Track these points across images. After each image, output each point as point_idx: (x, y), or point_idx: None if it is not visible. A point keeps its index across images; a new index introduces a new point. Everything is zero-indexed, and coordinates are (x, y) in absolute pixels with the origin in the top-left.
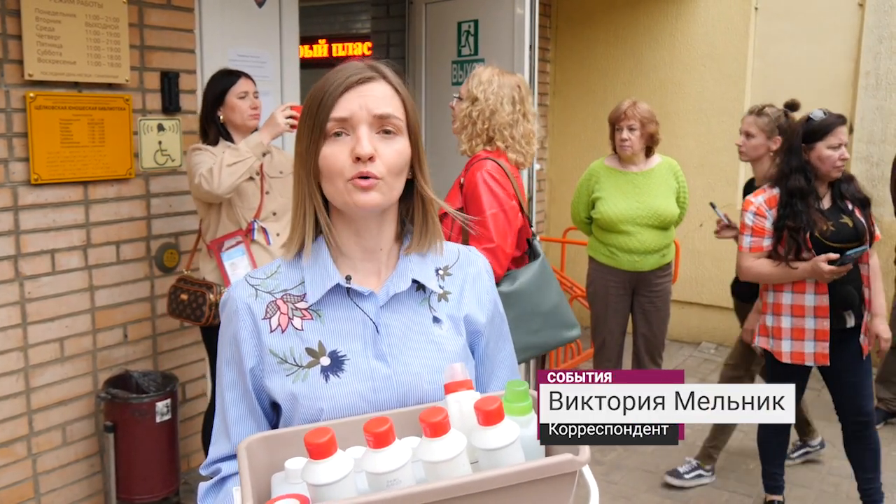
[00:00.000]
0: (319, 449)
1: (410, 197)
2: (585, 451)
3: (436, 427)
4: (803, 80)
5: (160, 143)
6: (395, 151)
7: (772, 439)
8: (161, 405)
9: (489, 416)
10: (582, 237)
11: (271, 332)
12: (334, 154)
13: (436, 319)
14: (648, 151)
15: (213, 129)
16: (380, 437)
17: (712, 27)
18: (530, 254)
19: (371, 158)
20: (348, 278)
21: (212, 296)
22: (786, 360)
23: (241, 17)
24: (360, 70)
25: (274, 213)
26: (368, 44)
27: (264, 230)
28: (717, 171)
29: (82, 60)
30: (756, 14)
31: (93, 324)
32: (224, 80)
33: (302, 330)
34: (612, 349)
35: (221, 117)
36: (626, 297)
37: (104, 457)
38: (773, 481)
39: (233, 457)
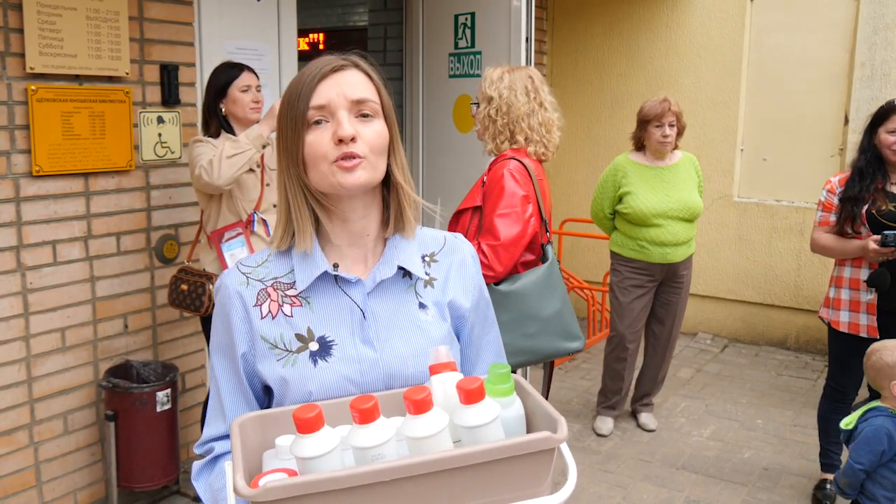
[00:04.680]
0: (307, 424)
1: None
2: (563, 428)
3: (419, 404)
4: (798, 71)
5: (160, 135)
6: (374, 132)
7: (830, 416)
8: (161, 395)
9: (470, 394)
10: (580, 228)
11: (262, 318)
12: (317, 140)
13: (421, 305)
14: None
15: (215, 122)
16: (365, 413)
17: (708, 18)
18: (543, 259)
19: (353, 139)
20: (336, 266)
21: (211, 286)
22: (843, 329)
23: (239, 10)
24: (333, 60)
25: (274, 205)
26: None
27: (264, 222)
28: (712, 162)
29: (83, 53)
30: (751, 5)
31: (93, 314)
32: (227, 73)
33: (291, 316)
34: (634, 340)
35: (223, 110)
36: (653, 291)
37: (105, 445)
38: (828, 459)
39: (226, 436)
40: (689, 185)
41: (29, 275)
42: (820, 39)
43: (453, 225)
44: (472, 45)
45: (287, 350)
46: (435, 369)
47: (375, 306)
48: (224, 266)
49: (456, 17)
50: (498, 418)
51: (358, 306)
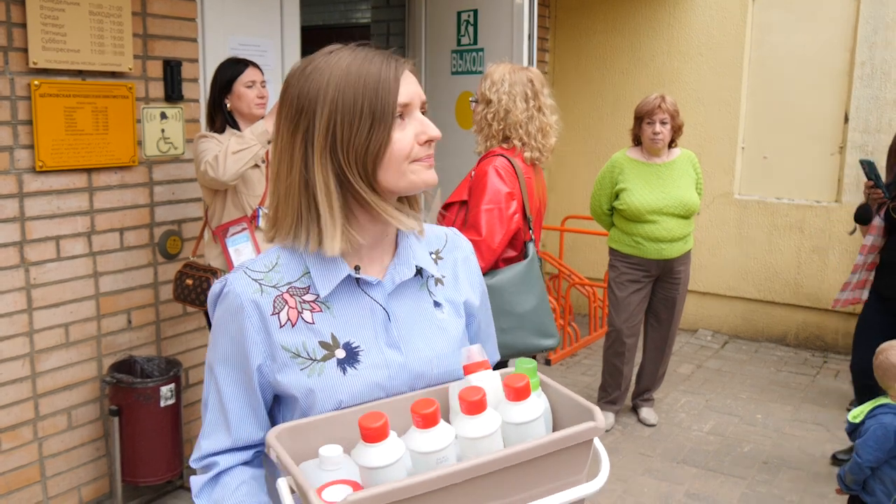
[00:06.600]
0: (375, 433)
1: None
2: (600, 416)
3: (474, 405)
4: (799, 70)
5: (163, 131)
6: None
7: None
8: (165, 389)
9: (519, 392)
10: (581, 225)
11: (281, 327)
12: (403, 139)
13: (436, 304)
14: (671, 143)
15: (220, 117)
16: (428, 418)
17: (709, 16)
18: (525, 256)
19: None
20: (357, 268)
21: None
22: (839, 305)
23: (242, 6)
24: (396, 56)
25: None
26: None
27: None
28: (713, 160)
29: (86, 49)
30: (753, 4)
31: (97, 309)
32: (232, 69)
33: (313, 323)
34: (632, 335)
35: (228, 105)
36: (649, 286)
37: (109, 440)
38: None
39: (231, 450)
40: (686, 182)
41: (32, 270)
42: (821, 38)
43: (440, 219)
44: (475, 42)
45: (311, 359)
46: (469, 369)
47: (396, 308)
48: (228, 261)
49: (459, 13)
50: (542, 414)
51: (383, 308)
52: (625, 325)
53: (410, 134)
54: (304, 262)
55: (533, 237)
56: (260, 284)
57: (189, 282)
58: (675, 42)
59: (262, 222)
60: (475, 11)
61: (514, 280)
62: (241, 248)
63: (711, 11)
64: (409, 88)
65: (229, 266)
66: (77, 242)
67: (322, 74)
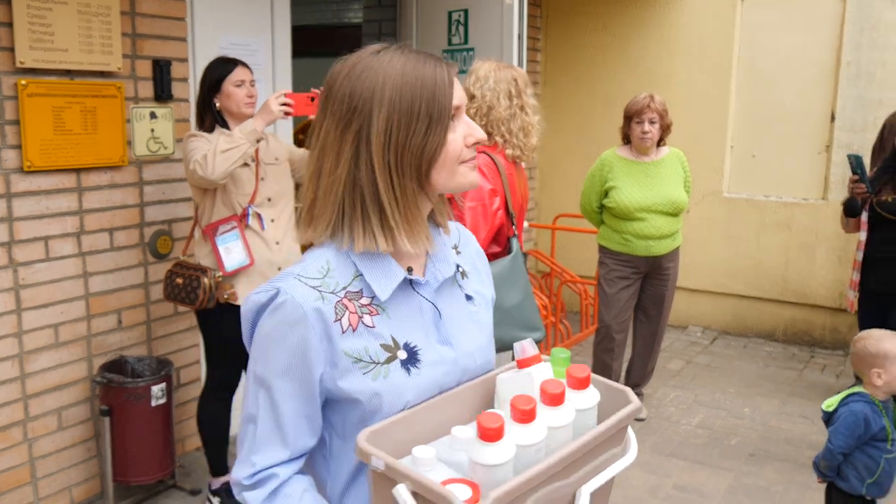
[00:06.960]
0: (494, 433)
1: None
2: (635, 397)
3: (557, 398)
4: (787, 70)
5: (152, 130)
6: None
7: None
8: (156, 389)
9: (582, 382)
10: (573, 223)
11: (343, 333)
12: (455, 140)
13: (468, 297)
14: (659, 142)
15: (210, 116)
16: (528, 414)
17: (699, 16)
18: (509, 251)
19: None
20: (410, 270)
21: (206, 279)
22: (849, 306)
23: (232, 6)
24: (446, 60)
25: (269, 199)
26: None
27: (259, 216)
28: (702, 160)
29: (74, 48)
30: (742, 4)
31: (87, 310)
32: (221, 68)
33: (373, 327)
34: (621, 331)
35: (218, 104)
36: (638, 283)
37: (100, 441)
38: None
39: (289, 461)
40: (674, 180)
41: (21, 271)
42: (808, 39)
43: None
44: (466, 42)
45: (374, 362)
46: (524, 363)
47: (441, 304)
48: (218, 259)
49: (449, 13)
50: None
51: (435, 307)
52: (614, 321)
53: (460, 136)
54: (354, 265)
55: (516, 233)
56: (319, 292)
57: (179, 281)
58: (665, 42)
59: (251, 221)
60: (466, 11)
61: (500, 275)
62: (230, 246)
63: (701, 11)
64: (459, 92)
65: (219, 265)
66: (66, 243)
67: (376, 74)
